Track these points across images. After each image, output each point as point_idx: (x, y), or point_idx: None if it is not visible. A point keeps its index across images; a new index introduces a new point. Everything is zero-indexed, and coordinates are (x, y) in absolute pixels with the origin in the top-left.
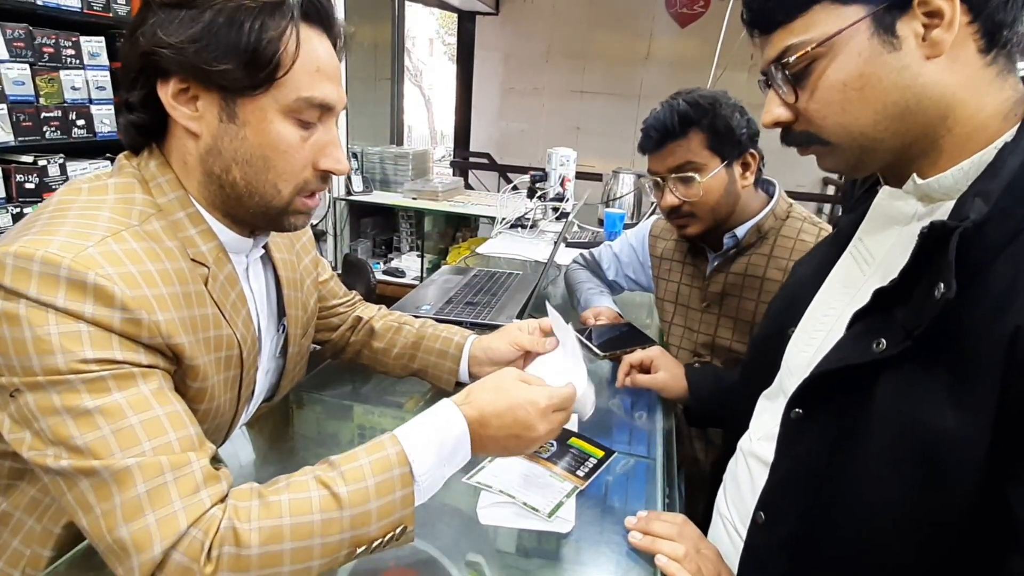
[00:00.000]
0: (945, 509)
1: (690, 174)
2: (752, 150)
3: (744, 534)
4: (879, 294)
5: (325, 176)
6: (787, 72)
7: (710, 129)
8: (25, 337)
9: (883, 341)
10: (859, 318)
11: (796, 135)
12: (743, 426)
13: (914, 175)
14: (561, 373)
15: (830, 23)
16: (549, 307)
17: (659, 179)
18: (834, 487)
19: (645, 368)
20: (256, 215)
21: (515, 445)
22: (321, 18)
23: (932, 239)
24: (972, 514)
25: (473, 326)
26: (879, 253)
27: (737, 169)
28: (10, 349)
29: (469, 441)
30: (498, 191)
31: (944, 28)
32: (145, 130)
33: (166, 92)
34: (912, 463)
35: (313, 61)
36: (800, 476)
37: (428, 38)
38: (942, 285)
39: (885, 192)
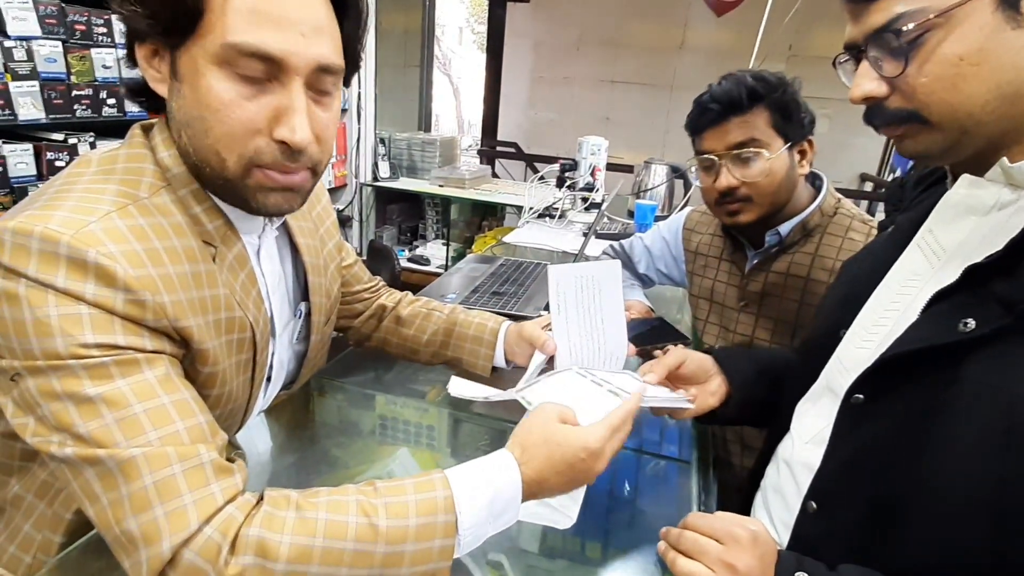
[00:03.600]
0: None
1: (755, 150)
2: (811, 137)
3: (787, 538)
4: (971, 270)
5: (287, 150)
6: (898, 42)
7: (778, 106)
8: (25, 318)
9: (970, 321)
10: (942, 297)
11: (889, 112)
12: (781, 432)
13: (1003, 159)
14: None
15: None
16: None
17: (716, 158)
18: (902, 472)
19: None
20: (220, 190)
21: (574, 487)
22: None
23: None
24: None
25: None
26: (951, 245)
27: (796, 155)
28: (10, 330)
29: (519, 504)
30: (525, 181)
31: None
32: (140, 94)
33: (141, 54)
34: (1008, 443)
35: (248, 0)
36: (859, 463)
37: (458, 27)
38: None
39: (964, 181)
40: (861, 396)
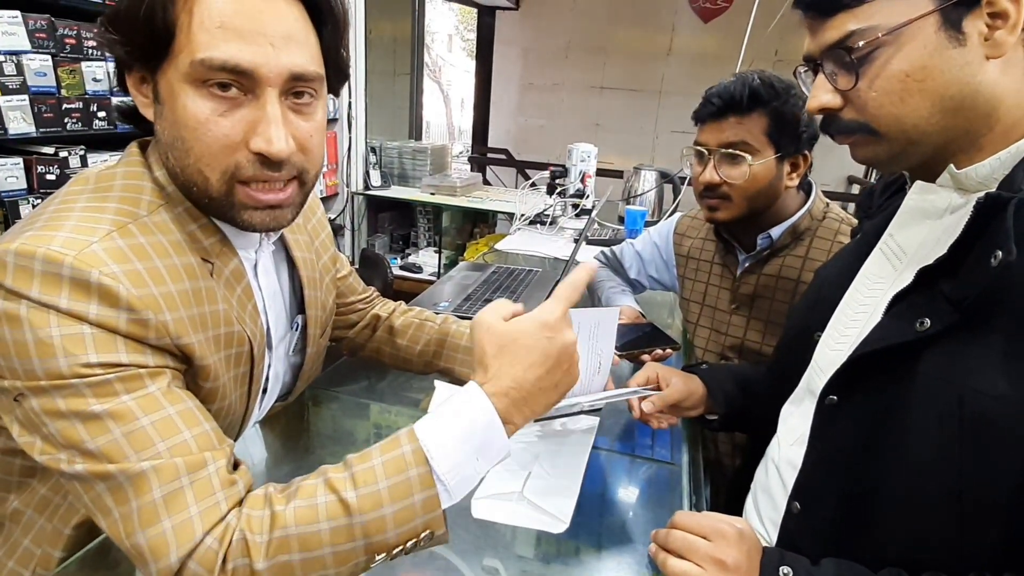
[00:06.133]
0: (995, 481)
1: (742, 153)
2: (806, 152)
3: (775, 537)
4: (923, 272)
5: (267, 161)
6: (850, 58)
7: (776, 115)
8: (27, 339)
9: (926, 320)
10: (900, 299)
11: (842, 123)
12: (768, 434)
13: (951, 166)
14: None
15: (897, 12)
16: None
17: (706, 151)
18: (874, 468)
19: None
20: (208, 208)
21: (559, 377)
22: None
23: (986, 210)
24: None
25: None
26: (910, 247)
27: (786, 167)
28: (11, 351)
29: (502, 431)
30: (516, 187)
31: (1008, 30)
32: (131, 118)
33: (131, 82)
34: (961, 435)
35: (215, 16)
36: (836, 461)
37: (447, 34)
38: (1000, 252)
39: (917, 187)
40: (834, 397)
